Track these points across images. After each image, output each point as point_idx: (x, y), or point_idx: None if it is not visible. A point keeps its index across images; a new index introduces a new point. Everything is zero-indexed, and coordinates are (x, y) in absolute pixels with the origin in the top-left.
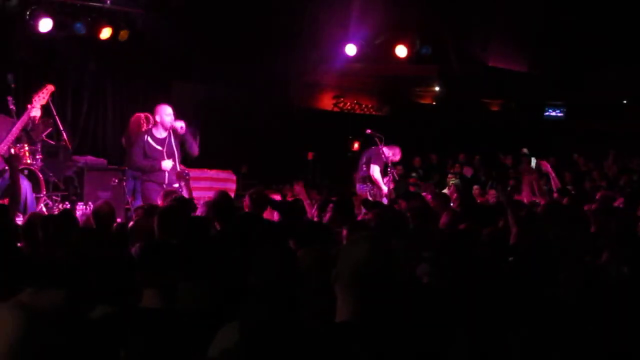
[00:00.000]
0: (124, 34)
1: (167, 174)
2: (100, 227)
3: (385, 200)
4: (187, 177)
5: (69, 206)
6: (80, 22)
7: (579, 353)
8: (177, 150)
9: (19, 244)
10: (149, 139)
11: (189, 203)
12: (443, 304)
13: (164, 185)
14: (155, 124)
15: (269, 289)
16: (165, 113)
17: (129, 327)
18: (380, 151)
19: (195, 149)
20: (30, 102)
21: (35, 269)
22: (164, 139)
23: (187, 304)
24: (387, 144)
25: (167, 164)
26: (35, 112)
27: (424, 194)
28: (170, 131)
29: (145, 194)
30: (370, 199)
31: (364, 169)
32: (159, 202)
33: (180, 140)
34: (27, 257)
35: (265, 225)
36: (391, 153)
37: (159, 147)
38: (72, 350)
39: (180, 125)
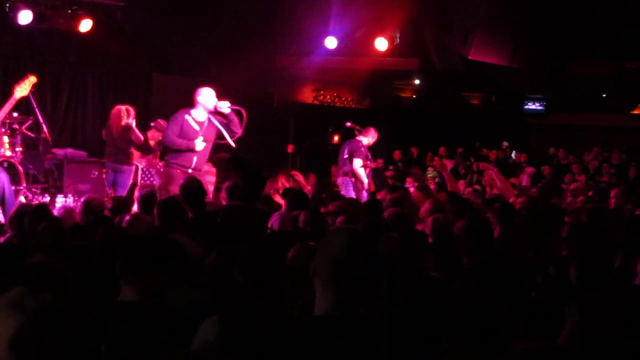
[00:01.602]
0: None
1: (195, 158)
2: (93, 219)
3: (365, 194)
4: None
5: (48, 198)
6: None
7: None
8: (214, 136)
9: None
10: (189, 119)
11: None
12: (430, 295)
13: (190, 170)
14: (195, 104)
15: (250, 282)
16: (209, 95)
17: (108, 321)
18: (360, 145)
19: (239, 129)
20: (12, 93)
21: (27, 271)
22: (203, 122)
23: (176, 302)
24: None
25: (199, 145)
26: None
27: (407, 185)
28: (210, 116)
29: (166, 178)
30: (353, 193)
31: (347, 163)
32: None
33: (225, 122)
34: (15, 248)
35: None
36: (369, 139)
37: (197, 128)
38: (60, 347)
39: (226, 104)
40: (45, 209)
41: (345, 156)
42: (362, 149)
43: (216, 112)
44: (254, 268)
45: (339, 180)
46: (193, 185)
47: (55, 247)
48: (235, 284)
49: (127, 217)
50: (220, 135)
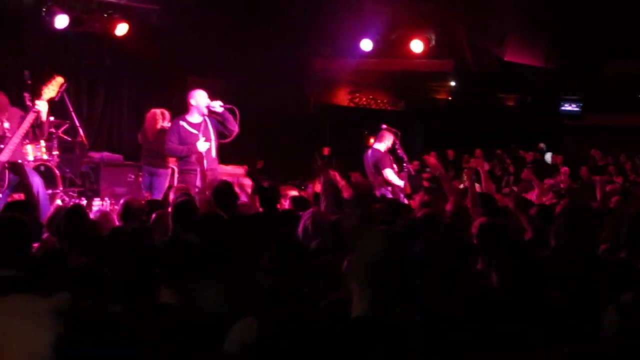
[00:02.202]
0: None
1: (204, 160)
2: (131, 222)
3: (402, 196)
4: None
5: (85, 202)
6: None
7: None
8: (215, 135)
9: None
10: (184, 124)
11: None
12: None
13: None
14: (190, 108)
15: (283, 286)
16: (201, 96)
17: (146, 324)
18: (380, 153)
19: (235, 126)
20: (40, 95)
21: (72, 275)
22: (200, 123)
23: (206, 305)
24: (401, 139)
25: (202, 145)
26: (42, 106)
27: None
28: (206, 117)
29: (184, 185)
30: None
31: (377, 176)
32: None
33: (220, 120)
34: (56, 252)
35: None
36: (385, 143)
37: (194, 131)
38: (103, 353)
39: (218, 104)
40: (79, 209)
41: (372, 170)
42: (387, 156)
43: (210, 113)
44: (280, 271)
45: (377, 193)
46: (224, 188)
47: (93, 249)
48: (265, 287)
49: (153, 216)
50: (221, 134)
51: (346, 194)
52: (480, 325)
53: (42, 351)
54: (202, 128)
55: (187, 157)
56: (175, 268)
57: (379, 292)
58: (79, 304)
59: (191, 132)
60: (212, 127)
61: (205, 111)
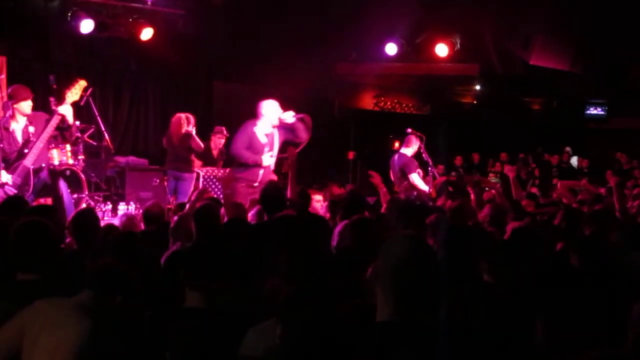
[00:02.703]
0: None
1: (262, 172)
2: (154, 227)
3: (427, 200)
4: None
5: (110, 206)
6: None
7: None
8: (279, 149)
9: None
10: (257, 131)
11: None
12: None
13: (255, 184)
14: (259, 117)
15: (301, 292)
16: (273, 108)
17: (173, 328)
18: (407, 158)
19: (306, 135)
20: (63, 99)
21: (94, 273)
22: (270, 134)
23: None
24: (426, 143)
25: (268, 160)
26: (67, 109)
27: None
28: (275, 128)
29: (231, 192)
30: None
31: (403, 180)
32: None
33: (290, 128)
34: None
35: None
36: (412, 148)
37: (264, 141)
38: (127, 354)
39: (290, 114)
40: (88, 213)
41: (398, 175)
42: (413, 161)
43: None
44: (295, 276)
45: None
46: (272, 192)
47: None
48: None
49: (175, 218)
50: (289, 143)
51: (384, 200)
52: (503, 328)
53: (64, 346)
54: (270, 139)
55: (247, 165)
56: (202, 272)
57: (403, 297)
58: (102, 302)
59: (261, 142)
60: (279, 139)
61: (277, 122)
